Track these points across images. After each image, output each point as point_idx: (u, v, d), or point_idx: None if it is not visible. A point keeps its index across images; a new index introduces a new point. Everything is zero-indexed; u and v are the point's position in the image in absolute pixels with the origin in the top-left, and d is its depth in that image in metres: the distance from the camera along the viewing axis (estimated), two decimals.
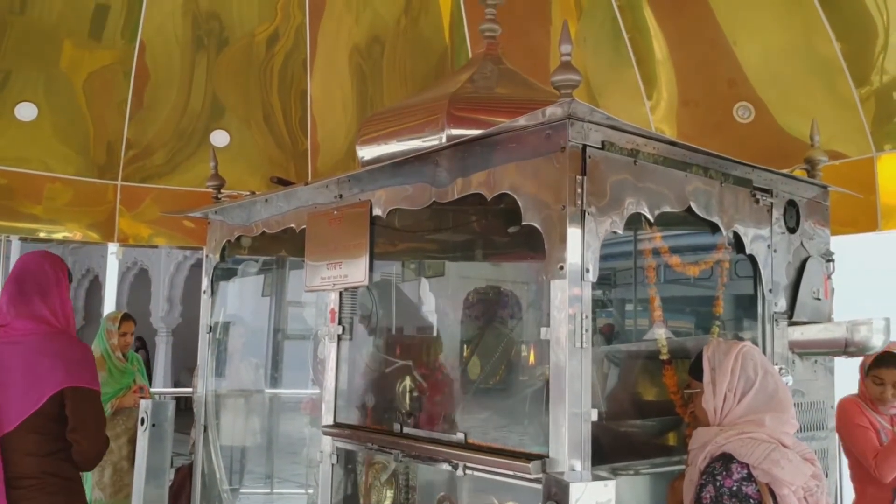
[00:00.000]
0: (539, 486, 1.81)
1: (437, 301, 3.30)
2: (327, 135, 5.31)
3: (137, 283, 13.79)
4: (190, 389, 5.20)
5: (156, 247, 5.63)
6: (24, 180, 4.73)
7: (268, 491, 4.60)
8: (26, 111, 4.70)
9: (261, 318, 4.15)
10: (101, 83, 4.93)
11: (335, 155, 5.34)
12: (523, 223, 2.05)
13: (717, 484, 1.92)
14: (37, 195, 4.78)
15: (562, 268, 1.93)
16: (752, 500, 1.89)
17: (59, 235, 5.22)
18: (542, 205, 2.01)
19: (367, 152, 2.80)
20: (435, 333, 3.16)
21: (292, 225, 2.95)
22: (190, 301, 13.31)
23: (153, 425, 3.26)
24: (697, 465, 2.01)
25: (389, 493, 2.94)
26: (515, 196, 2.08)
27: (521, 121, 2.01)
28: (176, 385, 11.32)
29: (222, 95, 5.19)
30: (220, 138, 5.19)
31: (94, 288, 15.85)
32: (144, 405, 3.28)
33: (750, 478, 1.91)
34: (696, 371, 2.14)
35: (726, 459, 1.95)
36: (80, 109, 4.90)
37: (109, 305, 6.06)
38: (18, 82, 4.69)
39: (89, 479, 4.40)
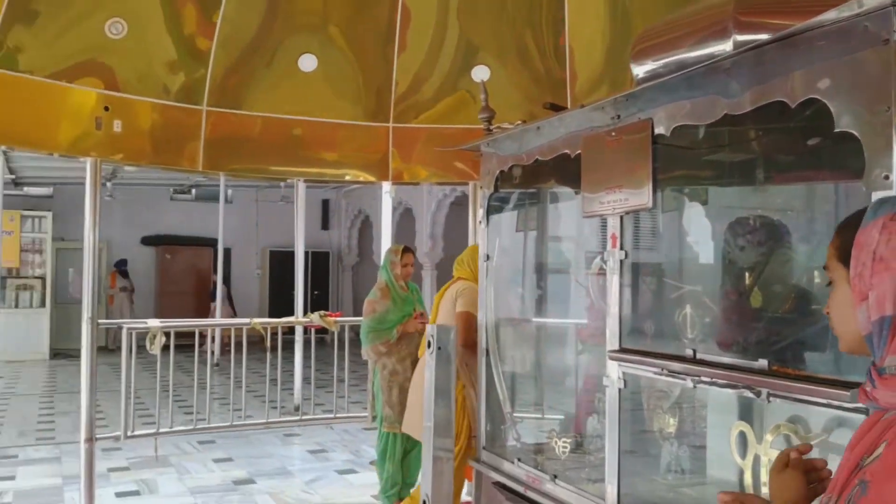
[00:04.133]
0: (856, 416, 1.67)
1: (715, 225, 3.12)
2: (583, 60, 5.18)
3: (403, 221, 14.71)
4: None
5: (416, 184, 5.92)
6: (314, 128, 5.18)
7: (539, 416, 4.76)
8: (307, 62, 5.10)
9: (527, 249, 4.20)
10: (365, 30, 5.20)
11: (593, 81, 5.21)
12: (836, 130, 1.84)
13: None
14: (325, 142, 5.23)
15: (887, 177, 1.72)
16: None
17: (347, 178, 5.68)
18: (859, 108, 1.78)
19: (642, 69, 2.67)
20: (716, 259, 3.00)
21: (566, 151, 2.92)
22: (450, 237, 13.96)
23: (439, 348, 3.46)
24: None
25: (672, 421, 2.89)
26: (826, 101, 1.86)
27: (833, 13, 1.78)
28: None
29: (474, 34, 5.26)
30: (481, 73, 5.27)
31: (366, 227, 17.19)
32: (430, 329, 3.49)
33: None
34: None
35: None
36: (349, 58, 5.22)
37: (386, 242, 6.51)
38: (302, 35, 5.08)
39: (380, 398, 4.83)
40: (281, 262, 17.28)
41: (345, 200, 17.85)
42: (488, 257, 3.57)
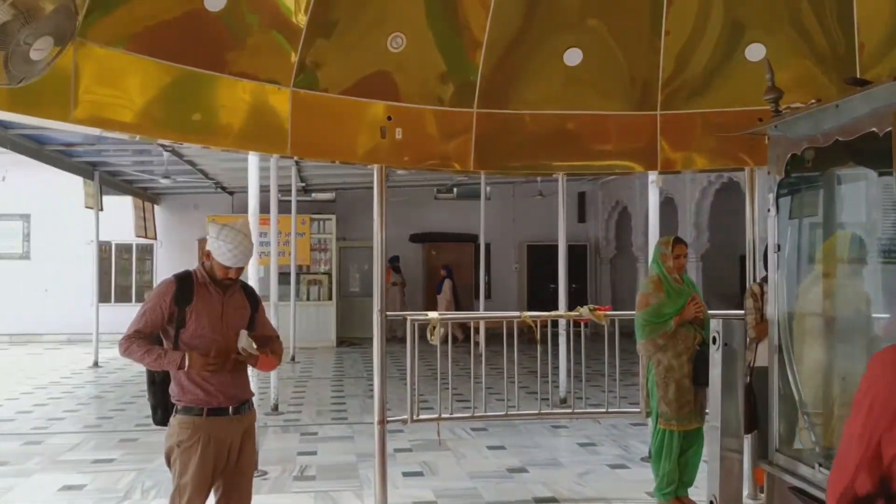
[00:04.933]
0: None
1: None
2: (869, 28, 4.63)
3: (664, 211, 14.21)
4: (735, 312, 5.21)
5: (678, 172, 5.67)
6: (581, 122, 5.19)
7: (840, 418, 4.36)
8: (573, 56, 5.11)
9: (819, 238, 3.85)
10: (628, 19, 5.08)
11: (881, 50, 4.64)
12: None
13: None
14: (592, 134, 5.22)
15: None
16: None
17: (615, 170, 5.62)
18: None
19: None
20: None
21: (873, 129, 2.64)
22: (716, 226, 13.26)
23: (725, 344, 3.31)
24: None
25: None
26: None
27: None
28: None
29: (740, 11, 4.92)
30: (756, 52, 4.93)
31: (624, 219, 16.89)
32: (715, 325, 3.35)
33: None
34: None
35: None
36: (612, 48, 5.13)
37: (653, 233, 6.34)
38: (564, 30, 5.10)
39: (654, 395, 4.73)
40: (538, 256, 17.55)
41: (601, 192, 17.68)
42: (779, 248, 3.34)
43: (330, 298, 15.84)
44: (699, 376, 4.57)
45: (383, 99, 4.72)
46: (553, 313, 5.81)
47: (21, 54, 2.85)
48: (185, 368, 3.21)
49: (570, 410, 6.25)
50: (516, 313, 5.58)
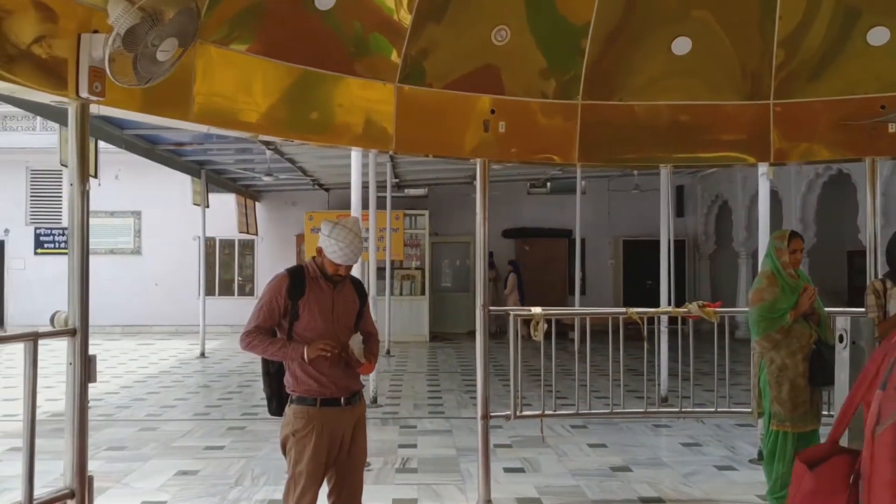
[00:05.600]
0: None
1: None
2: None
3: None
4: (855, 309, 4.94)
5: (783, 164, 5.40)
6: (689, 112, 5.04)
7: None
8: (681, 45, 4.95)
9: None
10: (738, 7, 4.89)
11: None
12: None
13: None
14: (700, 126, 5.06)
15: None
16: None
17: (724, 162, 5.44)
18: None
19: None
20: None
21: None
22: (822, 221, 12.68)
23: (853, 343, 3.14)
24: None
25: None
26: None
27: None
28: None
29: None
30: (879, 36, 4.67)
31: (724, 213, 16.37)
32: (842, 323, 3.18)
33: None
34: None
35: None
36: (720, 37, 4.95)
37: (764, 228, 6.10)
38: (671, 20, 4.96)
39: (767, 395, 4.54)
40: (634, 252, 17.22)
41: (700, 186, 17.18)
42: None
43: (422, 293, 15.99)
44: (816, 376, 4.37)
45: (487, 92, 4.71)
46: (660, 309, 5.66)
47: (148, 56, 2.98)
48: (306, 358, 3.29)
49: (676, 409, 6.09)
50: (621, 309, 5.47)
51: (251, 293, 17.40)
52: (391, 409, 8.42)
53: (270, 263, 17.24)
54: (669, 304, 8.79)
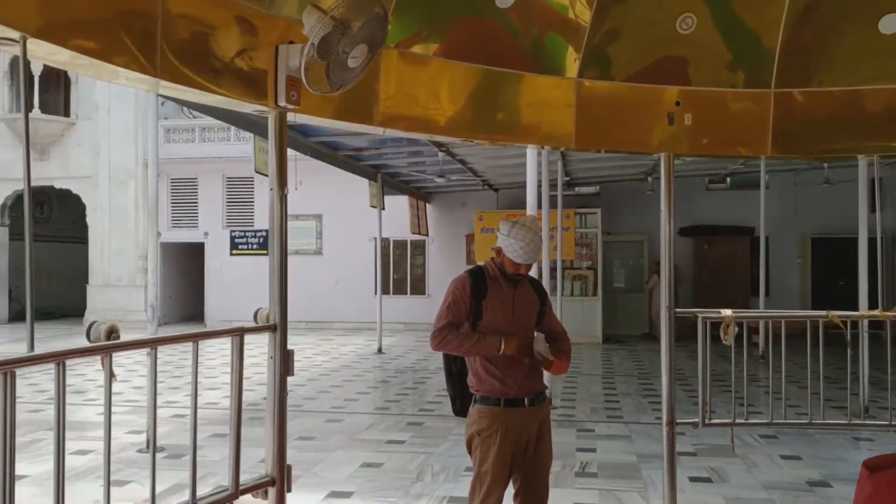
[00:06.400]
0: None
1: None
2: None
3: None
4: None
5: None
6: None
7: None
8: (890, 23, 4.50)
9: None
10: None
11: None
12: None
13: None
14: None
15: None
16: None
17: None
18: None
19: None
20: None
21: None
22: None
23: None
24: None
25: None
26: None
27: None
28: None
29: None
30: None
31: None
32: None
33: None
34: None
35: None
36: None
37: None
38: None
39: None
40: (824, 250, 16.00)
41: None
42: None
43: (595, 294, 15.68)
44: None
45: (673, 83, 4.50)
46: (865, 312, 5.14)
47: (340, 63, 3.08)
48: (502, 351, 3.29)
49: (886, 423, 5.52)
50: (821, 312, 5.02)
51: (423, 292, 17.85)
52: (567, 412, 8.30)
53: (441, 263, 17.62)
54: (870, 306, 8.05)
